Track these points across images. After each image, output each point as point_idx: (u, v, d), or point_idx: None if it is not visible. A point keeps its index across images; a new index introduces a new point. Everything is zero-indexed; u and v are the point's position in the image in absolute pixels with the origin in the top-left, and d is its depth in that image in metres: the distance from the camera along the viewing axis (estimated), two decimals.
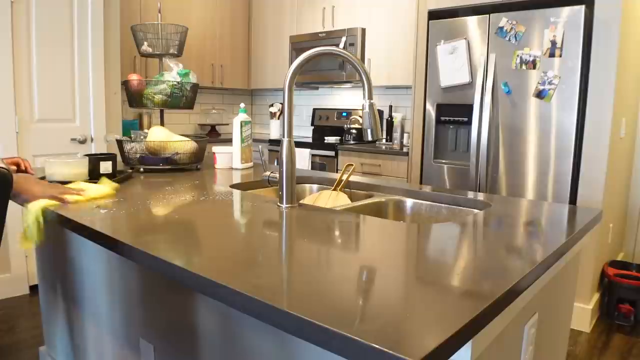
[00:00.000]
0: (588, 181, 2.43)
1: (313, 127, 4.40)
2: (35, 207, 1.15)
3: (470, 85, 2.73)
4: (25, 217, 1.15)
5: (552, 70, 2.44)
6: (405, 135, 3.61)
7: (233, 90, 4.94)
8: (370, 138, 1.18)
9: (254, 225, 1.04)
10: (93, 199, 1.27)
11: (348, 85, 4.10)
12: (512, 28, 2.54)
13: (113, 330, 1.49)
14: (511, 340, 0.88)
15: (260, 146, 1.57)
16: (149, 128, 3.27)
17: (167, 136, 1.86)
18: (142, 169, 1.84)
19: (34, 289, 2.88)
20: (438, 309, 0.62)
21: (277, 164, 2.37)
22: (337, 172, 3.52)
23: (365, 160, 3.41)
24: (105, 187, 1.35)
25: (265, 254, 0.84)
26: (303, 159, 3.72)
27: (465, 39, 2.72)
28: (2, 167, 1.00)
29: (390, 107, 3.81)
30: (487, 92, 2.65)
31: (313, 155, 3.72)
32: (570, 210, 1.29)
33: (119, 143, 1.87)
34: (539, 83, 2.49)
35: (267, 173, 1.35)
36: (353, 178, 1.75)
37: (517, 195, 2.61)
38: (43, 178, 1.45)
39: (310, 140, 3.98)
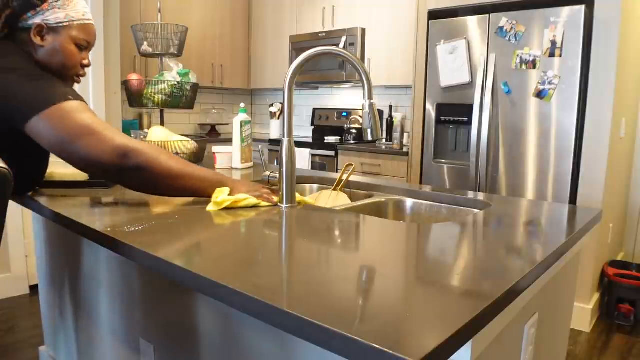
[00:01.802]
0: (588, 181, 2.43)
1: (313, 127, 4.40)
2: (242, 198, 1.18)
3: (470, 85, 2.73)
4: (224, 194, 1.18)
5: (552, 70, 2.44)
6: (405, 135, 3.61)
7: (233, 90, 4.94)
8: (370, 138, 1.18)
9: (254, 225, 1.04)
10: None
11: (348, 85, 4.10)
12: (512, 28, 2.54)
13: (113, 330, 1.49)
14: (511, 340, 0.88)
15: (260, 146, 1.57)
16: (149, 128, 3.26)
17: (167, 136, 1.86)
18: None
19: (34, 289, 2.88)
20: (438, 309, 0.62)
21: (277, 164, 2.37)
22: (337, 172, 3.52)
23: (365, 160, 3.41)
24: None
25: (265, 254, 0.84)
26: (303, 159, 3.72)
27: (465, 38, 2.72)
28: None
29: (390, 107, 3.81)
30: (487, 92, 2.65)
31: (313, 155, 3.72)
32: (570, 210, 1.29)
33: None
34: (539, 83, 2.49)
35: (267, 173, 1.35)
36: (353, 178, 1.75)
37: (517, 195, 2.61)
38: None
39: (310, 140, 3.98)
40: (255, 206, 1.20)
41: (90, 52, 1.34)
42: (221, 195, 1.16)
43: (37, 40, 1.19)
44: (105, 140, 1.09)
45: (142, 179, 1.12)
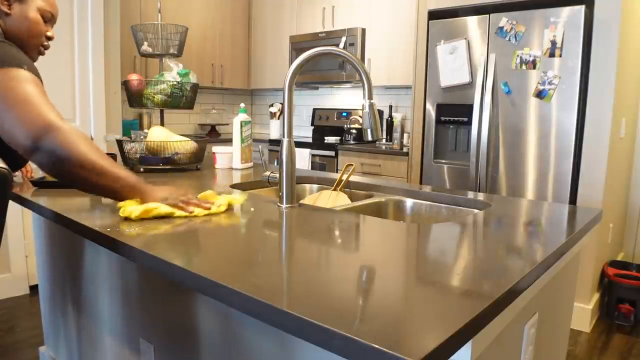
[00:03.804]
0: (588, 181, 2.43)
1: (313, 127, 4.40)
2: (152, 207, 1.08)
3: (470, 85, 2.73)
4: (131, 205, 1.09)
5: (552, 70, 2.44)
6: (405, 135, 3.61)
7: (233, 90, 4.94)
8: (370, 138, 1.18)
9: (254, 225, 1.04)
10: (211, 214, 1.13)
11: (348, 85, 4.10)
12: (512, 28, 2.54)
13: (113, 330, 1.49)
14: (511, 340, 0.88)
15: (260, 146, 1.57)
16: (149, 128, 3.26)
17: (167, 136, 1.86)
18: (142, 169, 1.84)
19: (34, 289, 2.88)
20: (438, 309, 0.62)
21: (277, 164, 2.37)
22: (337, 172, 3.52)
23: (365, 160, 3.41)
24: (237, 197, 1.24)
25: (265, 254, 0.84)
26: (303, 159, 3.72)
27: (465, 39, 2.72)
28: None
29: (390, 107, 3.81)
30: (487, 92, 2.65)
31: (313, 155, 3.72)
32: (570, 210, 1.29)
33: (119, 143, 1.87)
34: (539, 83, 2.49)
35: (267, 173, 1.35)
36: (353, 178, 1.75)
37: (517, 195, 2.61)
38: (42, 178, 1.46)
39: (310, 140, 3.98)
40: (168, 216, 1.08)
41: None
42: (129, 208, 1.06)
43: (4, 7, 1.20)
44: (37, 113, 1.01)
45: (52, 163, 1.02)
